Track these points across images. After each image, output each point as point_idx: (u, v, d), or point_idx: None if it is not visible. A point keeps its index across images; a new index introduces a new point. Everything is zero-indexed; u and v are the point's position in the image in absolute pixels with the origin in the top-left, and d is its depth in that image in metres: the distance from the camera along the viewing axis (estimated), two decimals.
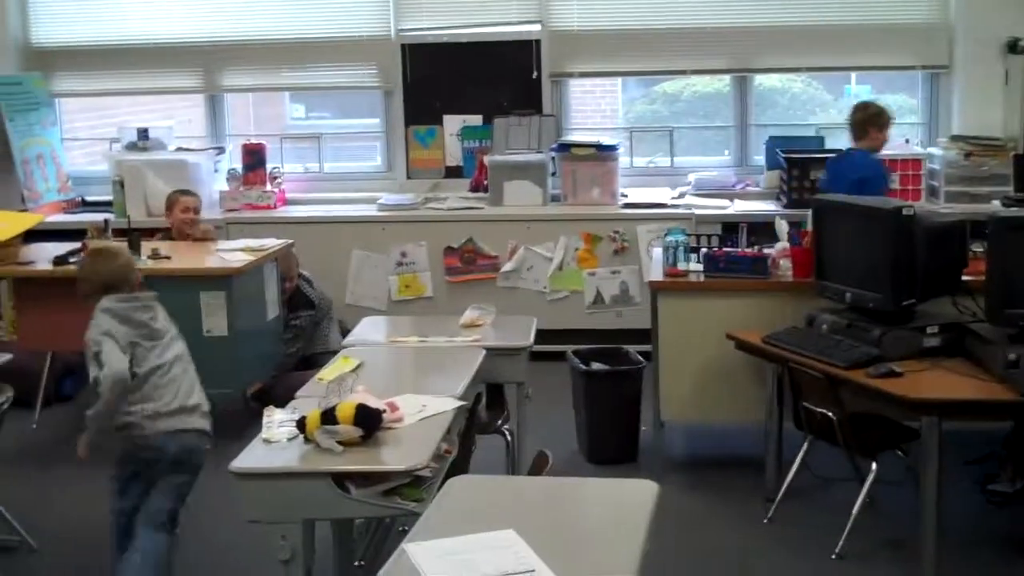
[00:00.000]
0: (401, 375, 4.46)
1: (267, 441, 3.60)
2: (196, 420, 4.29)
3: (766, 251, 5.38)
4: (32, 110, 7.73)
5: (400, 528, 4.26)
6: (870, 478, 4.54)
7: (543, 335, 5.16)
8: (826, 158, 6.99)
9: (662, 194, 7.37)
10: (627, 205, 7.28)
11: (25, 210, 7.19)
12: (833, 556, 4.52)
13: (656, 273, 5.46)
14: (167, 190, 7.29)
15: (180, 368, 4.28)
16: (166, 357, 4.26)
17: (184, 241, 6.51)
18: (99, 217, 6.60)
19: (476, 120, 7.71)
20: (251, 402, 6.15)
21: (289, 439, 3.58)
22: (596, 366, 5.70)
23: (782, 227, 5.50)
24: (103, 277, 4.34)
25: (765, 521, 4.88)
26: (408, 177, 7.82)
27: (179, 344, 4.35)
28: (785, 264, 5.29)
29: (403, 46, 7.71)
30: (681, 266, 5.33)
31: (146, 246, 6.10)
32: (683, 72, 7.91)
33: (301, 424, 3.54)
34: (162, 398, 4.20)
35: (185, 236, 6.55)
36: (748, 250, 5.42)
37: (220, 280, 5.83)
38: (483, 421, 4.68)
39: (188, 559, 4.73)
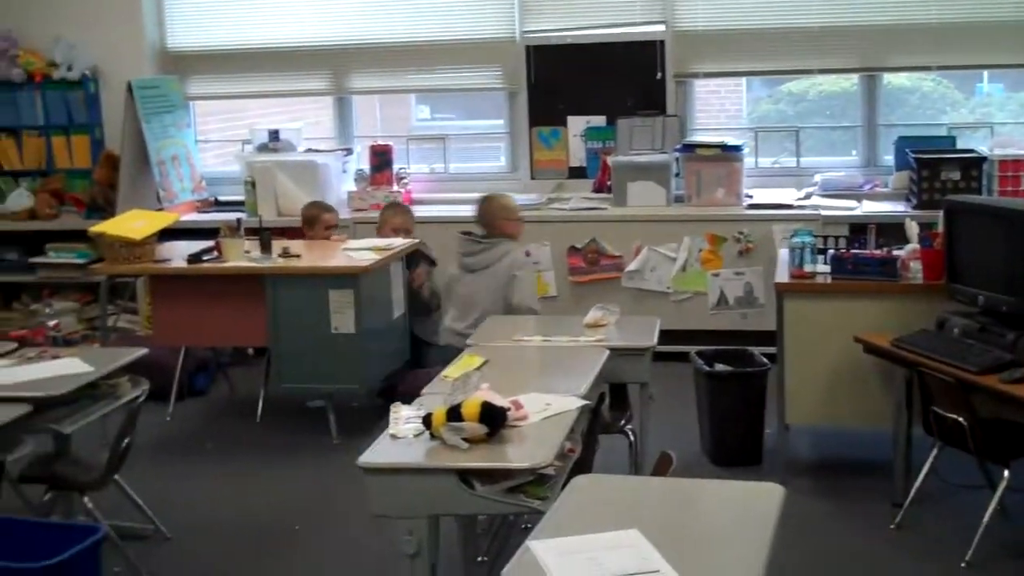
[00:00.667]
0: (525, 374, 4.48)
1: (394, 437, 3.65)
2: (458, 340, 5.54)
3: (895, 253, 5.28)
4: (167, 112, 7.95)
5: (523, 526, 4.29)
6: (1002, 485, 4.43)
7: (666, 335, 5.15)
8: (958, 158, 6.86)
9: (788, 195, 7.29)
10: (752, 206, 7.21)
11: (161, 209, 7.38)
12: (963, 564, 4.41)
13: (782, 275, 5.40)
14: (297, 190, 7.47)
15: (466, 302, 5.81)
16: (460, 289, 5.84)
17: None
18: (231, 216, 6.75)
19: (600, 121, 7.71)
20: (378, 397, 6.24)
21: (415, 435, 3.62)
22: (720, 367, 5.67)
23: (912, 228, 5.40)
24: (478, 217, 5.98)
25: (892, 527, 4.79)
26: (532, 178, 7.85)
27: (480, 281, 5.81)
28: (915, 266, 5.19)
29: (527, 48, 7.75)
30: (808, 267, 5.26)
31: (277, 244, 6.24)
32: (810, 72, 7.80)
33: (427, 420, 3.59)
34: (447, 317, 5.85)
35: None
36: (877, 251, 5.33)
37: (348, 279, 5.94)
38: (606, 421, 4.68)
39: (316, 552, 4.84)
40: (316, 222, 6.84)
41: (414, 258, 6.68)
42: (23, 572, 3.42)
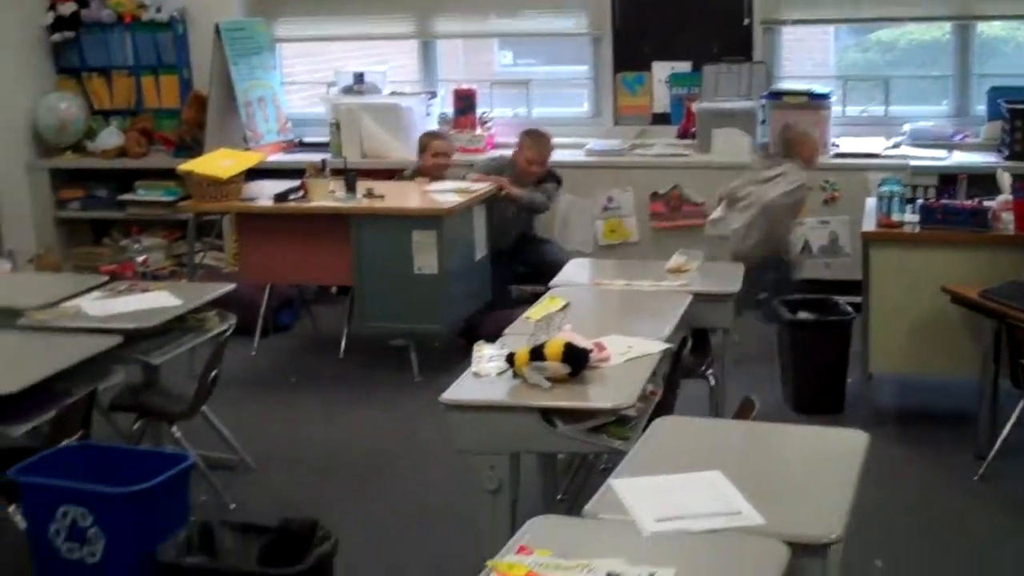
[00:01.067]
0: (607, 316, 4.48)
1: (477, 375, 3.68)
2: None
3: (986, 203, 5.19)
4: (254, 55, 7.98)
5: (603, 466, 4.31)
6: None
7: None
8: None
9: (875, 144, 7.17)
10: (838, 155, 7.11)
11: (247, 149, 7.45)
12: None
13: (869, 223, 5.34)
14: (381, 132, 7.51)
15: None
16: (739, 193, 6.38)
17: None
18: (316, 157, 6.81)
19: (685, 67, 7.62)
20: (459, 338, 6.27)
21: (498, 374, 3.65)
22: (803, 315, 5.63)
23: (1004, 179, 5.31)
24: (779, 141, 6.45)
25: (976, 478, 4.74)
26: (615, 124, 7.79)
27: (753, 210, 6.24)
28: (1007, 217, 5.10)
29: None
30: (896, 217, 5.20)
31: (361, 185, 6.29)
32: (901, 20, 7.64)
33: (510, 359, 3.61)
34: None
35: (436, 178, 6.73)
36: (967, 202, 5.25)
37: (431, 220, 5.99)
38: (688, 365, 4.66)
39: (398, 486, 4.91)
40: (426, 149, 6.89)
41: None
42: (116, 496, 3.51)
